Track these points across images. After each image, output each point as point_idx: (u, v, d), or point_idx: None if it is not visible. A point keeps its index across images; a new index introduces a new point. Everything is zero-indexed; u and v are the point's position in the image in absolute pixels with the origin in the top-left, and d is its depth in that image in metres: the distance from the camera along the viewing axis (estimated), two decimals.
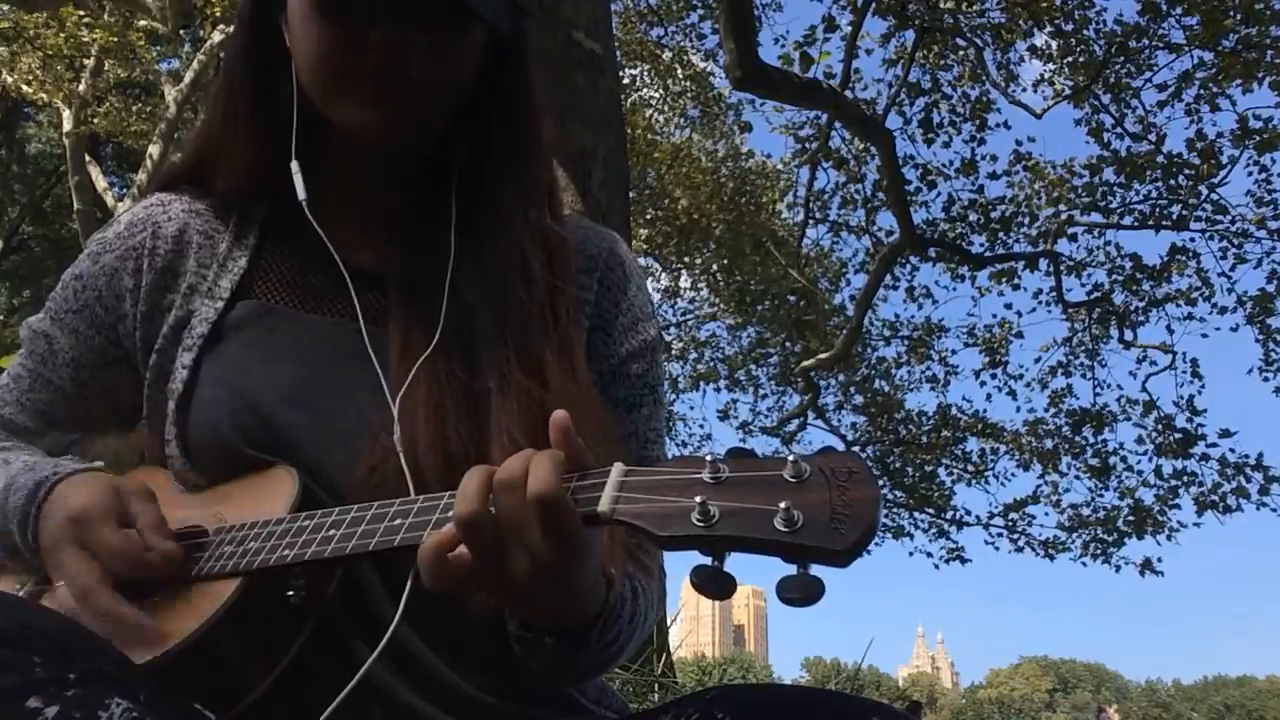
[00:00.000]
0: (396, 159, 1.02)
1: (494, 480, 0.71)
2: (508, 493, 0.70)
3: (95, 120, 10.93)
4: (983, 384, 12.61)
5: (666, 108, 12.45)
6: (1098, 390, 12.01)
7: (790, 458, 0.65)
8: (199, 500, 0.94)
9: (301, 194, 0.98)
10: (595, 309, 1.05)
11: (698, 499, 0.65)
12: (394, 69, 0.92)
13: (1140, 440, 12.05)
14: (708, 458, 0.67)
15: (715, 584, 0.65)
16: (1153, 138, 9.96)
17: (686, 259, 13.71)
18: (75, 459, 0.98)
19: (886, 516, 13.70)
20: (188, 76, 10.11)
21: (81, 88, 10.37)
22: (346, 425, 0.93)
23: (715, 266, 13.54)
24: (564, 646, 0.83)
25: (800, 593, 0.61)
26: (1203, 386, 11.52)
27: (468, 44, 0.96)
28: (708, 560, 0.65)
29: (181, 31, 10.29)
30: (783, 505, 0.62)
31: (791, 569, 0.62)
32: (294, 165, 0.98)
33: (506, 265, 0.98)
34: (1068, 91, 10.11)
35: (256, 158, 1.01)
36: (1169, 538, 12.03)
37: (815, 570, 0.62)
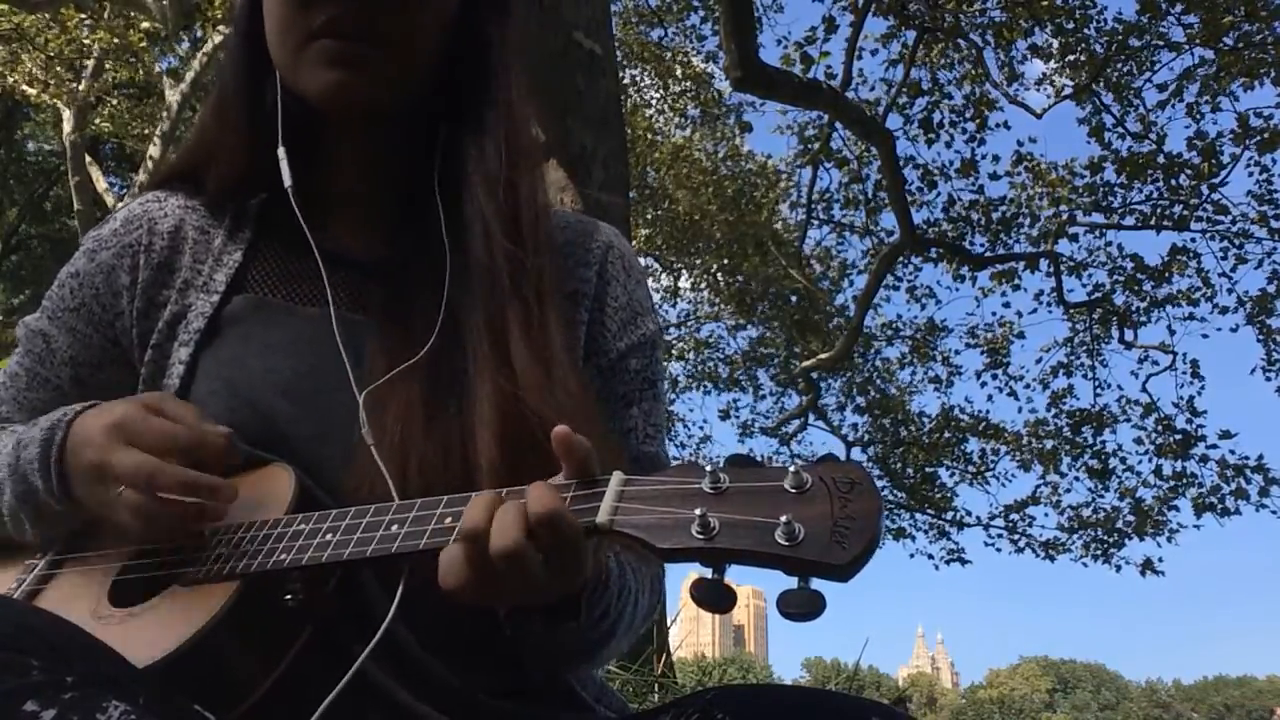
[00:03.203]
0: (379, 140, 1.01)
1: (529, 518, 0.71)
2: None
3: (97, 122, 10.92)
4: (984, 384, 12.63)
5: (667, 108, 12.45)
6: (1098, 391, 12.02)
7: (791, 468, 0.65)
8: None
9: (288, 180, 0.96)
10: (594, 301, 1.04)
11: (697, 511, 0.64)
12: (350, 20, 0.90)
13: (1139, 441, 12.06)
14: (708, 466, 0.67)
15: (715, 597, 0.65)
16: (1154, 137, 9.95)
17: (686, 259, 13.70)
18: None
19: (887, 518, 13.69)
20: (188, 76, 10.11)
21: (82, 89, 10.36)
22: (345, 419, 0.92)
23: (715, 267, 13.53)
24: (555, 620, 0.82)
25: (801, 608, 0.61)
26: (1203, 387, 11.52)
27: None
28: (708, 572, 0.65)
29: (182, 32, 10.29)
30: (783, 519, 0.62)
31: (792, 582, 0.62)
32: (280, 151, 0.97)
33: (475, 243, 0.95)
34: (1068, 90, 10.10)
35: (249, 154, 1.00)
36: (1169, 539, 12.04)
37: (816, 584, 0.62)
